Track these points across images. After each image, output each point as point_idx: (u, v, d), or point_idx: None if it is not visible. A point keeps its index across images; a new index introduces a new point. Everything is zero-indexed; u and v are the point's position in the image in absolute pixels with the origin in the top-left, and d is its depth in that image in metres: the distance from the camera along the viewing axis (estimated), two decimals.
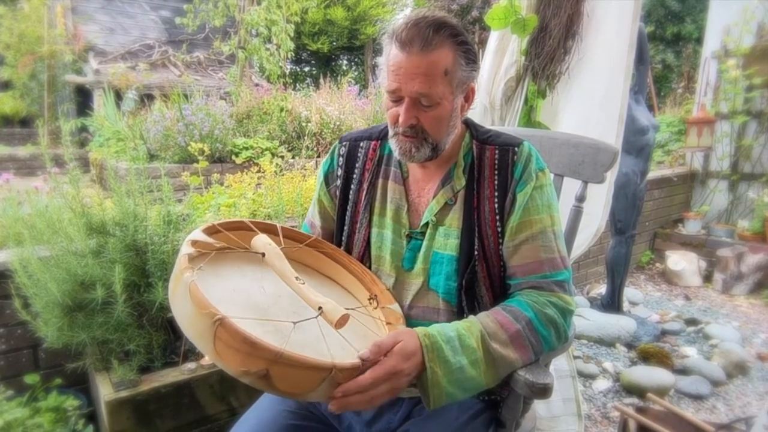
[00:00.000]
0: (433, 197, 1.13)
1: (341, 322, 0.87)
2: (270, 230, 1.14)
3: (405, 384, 0.88)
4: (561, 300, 1.04)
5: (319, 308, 0.88)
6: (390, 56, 1.02)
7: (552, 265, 1.06)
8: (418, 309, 1.13)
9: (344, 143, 1.25)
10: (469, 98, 1.11)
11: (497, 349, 0.95)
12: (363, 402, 0.84)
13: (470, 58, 1.04)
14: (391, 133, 1.10)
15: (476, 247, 1.09)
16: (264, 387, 0.78)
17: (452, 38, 1.00)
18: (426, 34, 0.97)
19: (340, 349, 0.92)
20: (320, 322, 0.90)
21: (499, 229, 1.09)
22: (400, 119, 1.04)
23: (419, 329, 0.93)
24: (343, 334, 0.92)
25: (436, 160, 1.13)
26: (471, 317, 1.00)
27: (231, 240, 1.06)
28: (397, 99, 1.04)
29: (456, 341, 0.93)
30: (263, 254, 0.99)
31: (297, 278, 0.94)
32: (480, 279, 1.09)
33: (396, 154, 1.11)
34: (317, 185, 1.29)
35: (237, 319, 0.78)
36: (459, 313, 1.09)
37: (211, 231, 1.04)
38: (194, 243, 0.97)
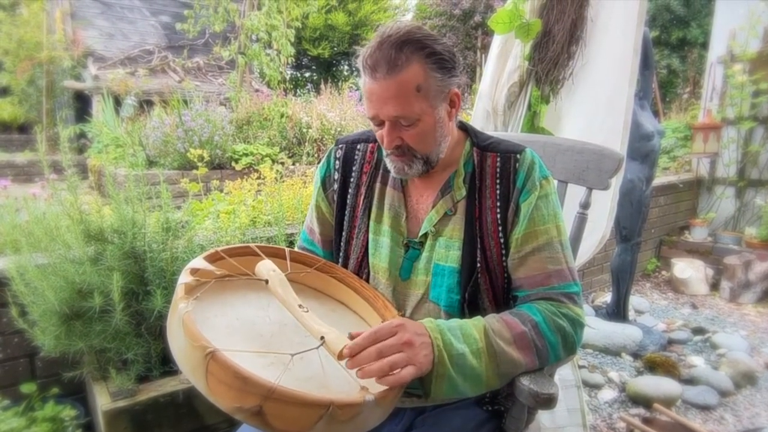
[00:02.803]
0: (432, 207, 1.11)
1: (344, 354, 0.84)
2: (278, 254, 1.11)
3: (422, 358, 0.86)
4: (571, 311, 1.02)
5: (321, 338, 0.85)
6: (364, 83, 1.02)
7: (560, 277, 1.04)
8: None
9: (340, 146, 1.23)
10: (455, 104, 1.06)
11: (500, 344, 0.94)
12: (372, 357, 0.83)
13: (445, 66, 1.00)
14: (384, 153, 1.10)
15: (478, 258, 1.07)
16: (259, 425, 0.74)
17: (419, 52, 0.96)
18: (389, 55, 0.95)
19: (346, 383, 0.87)
20: (323, 353, 0.86)
21: (502, 240, 1.07)
22: (384, 143, 1.04)
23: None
24: (346, 366, 0.88)
25: (434, 168, 1.11)
26: (477, 317, 1.00)
27: (235, 267, 1.03)
28: (379, 123, 1.04)
29: (457, 330, 0.94)
30: (266, 281, 0.97)
31: (300, 306, 0.91)
32: (483, 291, 1.07)
33: (392, 173, 1.10)
34: (314, 190, 1.27)
35: (232, 352, 0.75)
36: None
37: (214, 258, 1.01)
38: (194, 271, 0.94)
